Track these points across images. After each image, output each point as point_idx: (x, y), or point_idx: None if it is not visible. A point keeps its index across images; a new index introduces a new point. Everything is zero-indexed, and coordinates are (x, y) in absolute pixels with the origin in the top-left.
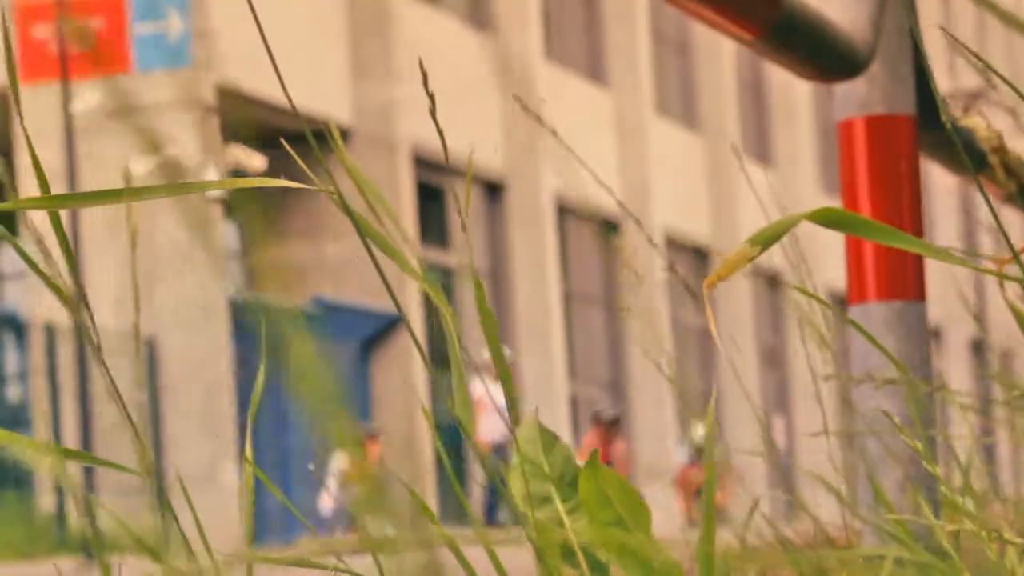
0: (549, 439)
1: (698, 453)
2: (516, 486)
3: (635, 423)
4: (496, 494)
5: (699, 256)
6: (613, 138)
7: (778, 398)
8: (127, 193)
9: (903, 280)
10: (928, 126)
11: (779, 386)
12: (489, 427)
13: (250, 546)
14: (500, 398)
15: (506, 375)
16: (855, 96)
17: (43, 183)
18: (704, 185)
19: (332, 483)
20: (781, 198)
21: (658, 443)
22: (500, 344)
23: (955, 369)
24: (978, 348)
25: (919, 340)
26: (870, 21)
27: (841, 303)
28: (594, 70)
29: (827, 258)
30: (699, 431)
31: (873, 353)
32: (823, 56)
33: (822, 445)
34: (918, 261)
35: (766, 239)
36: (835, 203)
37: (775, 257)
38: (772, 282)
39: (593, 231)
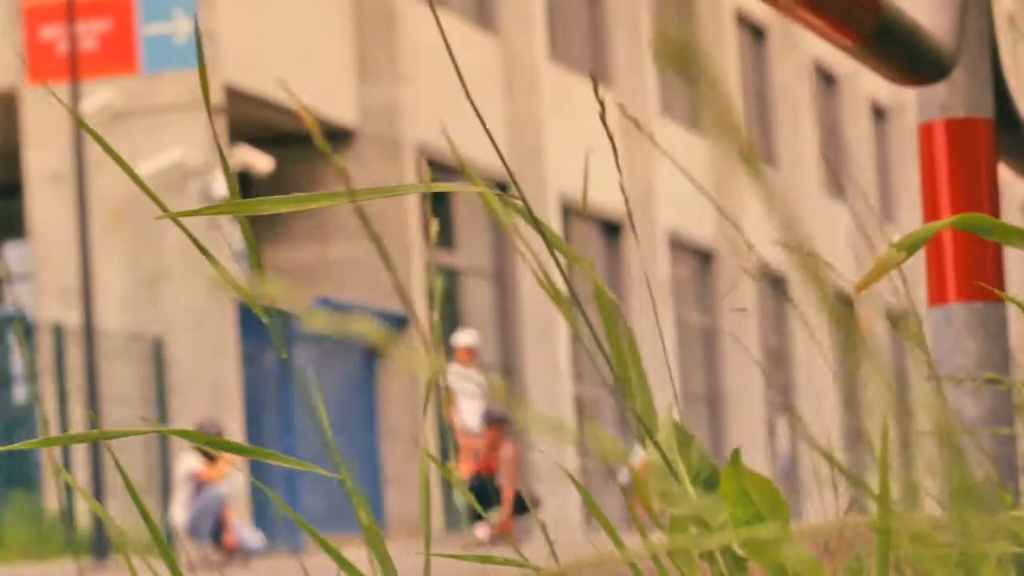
0: (684, 437)
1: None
2: (652, 484)
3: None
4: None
5: (703, 257)
6: (618, 140)
7: (783, 399)
8: (323, 197)
9: (984, 281)
10: (1006, 129)
11: (784, 387)
12: (469, 413)
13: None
14: (470, 384)
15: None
16: (936, 99)
17: (233, 190)
18: (708, 187)
19: (184, 489)
20: (784, 199)
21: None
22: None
23: None
24: None
25: (999, 341)
26: (953, 26)
27: (846, 303)
28: (598, 71)
29: (828, 258)
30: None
31: (956, 353)
32: (913, 61)
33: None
34: (998, 262)
35: (911, 244)
36: (838, 204)
37: (779, 256)
38: (777, 283)
39: (598, 232)
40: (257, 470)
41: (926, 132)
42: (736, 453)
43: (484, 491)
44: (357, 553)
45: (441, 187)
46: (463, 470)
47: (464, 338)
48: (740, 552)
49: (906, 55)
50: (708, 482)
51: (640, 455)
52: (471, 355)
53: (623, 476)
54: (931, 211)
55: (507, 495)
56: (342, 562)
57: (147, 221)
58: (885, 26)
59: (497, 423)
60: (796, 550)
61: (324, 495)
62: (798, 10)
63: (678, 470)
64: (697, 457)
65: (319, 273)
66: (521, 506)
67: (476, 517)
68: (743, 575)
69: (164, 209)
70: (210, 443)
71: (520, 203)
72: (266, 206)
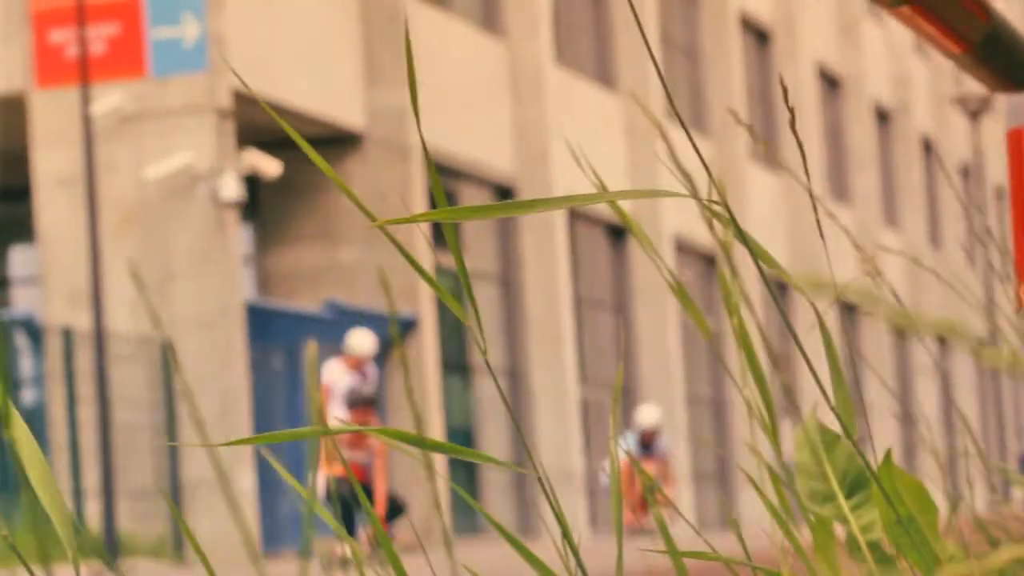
0: (830, 438)
1: (645, 443)
2: (800, 484)
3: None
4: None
5: (708, 262)
6: (622, 142)
7: (785, 403)
8: (554, 202)
9: None
10: None
11: (787, 392)
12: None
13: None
14: (348, 380)
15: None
16: None
17: (440, 196)
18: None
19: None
20: (789, 203)
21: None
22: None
23: None
24: None
25: None
26: None
27: (848, 308)
28: (603, 75)
29: (834, 264)
30: (648, 415)
31: None
32: (1014, 68)
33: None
34: None
35: None
36: (842, 207)
37: (782, 263)
38: (779, 287)
39: (603, 235)
40: (266, 473)
41: (1015, 138)
42: (888, 454)
43: (349, 501)
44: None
45: (633, 194)
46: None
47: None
48: (890, 550)
49: (1009, 63)
50: (856, 483)
51: (623, 457)
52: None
53: (604, 478)
54: (1020, 217)
55: (380, 491)
56: (531, 558)
57: (155, 225)
58: (993, 35)
59: (364, 404)
60: (947, 549)
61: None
62: (915, 17)
63: (826, 471)
64: (844, 458)
65: (327, 276)
66: (395, 509)
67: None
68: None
69: (372, 219)
70: (416, 443)
71: (722, 209)
72: (492, 211)
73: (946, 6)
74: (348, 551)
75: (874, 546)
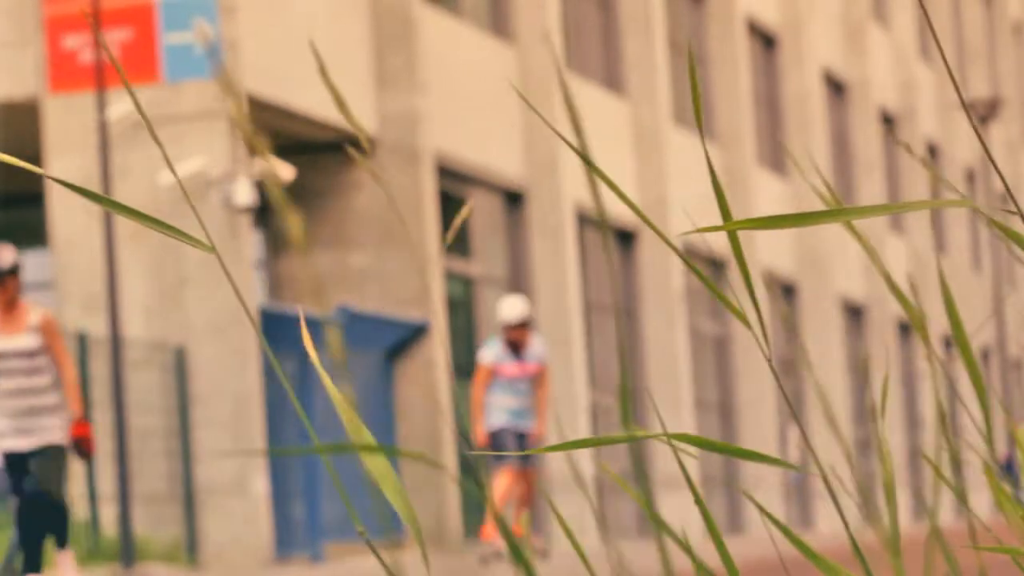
0: None
1: (513, 346)
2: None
3: (652, 431)
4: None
5: (715, 266)
6: (631, 148)
7: (793, 408)
8: (838, 213)
9: None
10: None
11: (793, 395)
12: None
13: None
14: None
15: None
16: None
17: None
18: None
19: None
20: (795, 207)
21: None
22: None
23: None
24: None
25: None
26: None
27: (853, 312)
28: (612, 80)
29: (839, 267)
30: (511, 307)
31: None
32: None
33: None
34: None
35: None
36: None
37: (788, 266)
38: (786, 292)
39: (612, 240)
40: (278, 476)
41: None
42: None
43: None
44: (376, 563)
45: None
46: None
47: None
48: None
49: None
50: None
51: (507, 466)
52: None
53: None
54: None
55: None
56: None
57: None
58: None
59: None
60: None
61: (341, 503)
62: None
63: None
64: None
65: (338, 281)
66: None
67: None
68: None
69: (650, 222)
70: (698, 443)
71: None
72: (787, 222)
73: None
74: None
75: None
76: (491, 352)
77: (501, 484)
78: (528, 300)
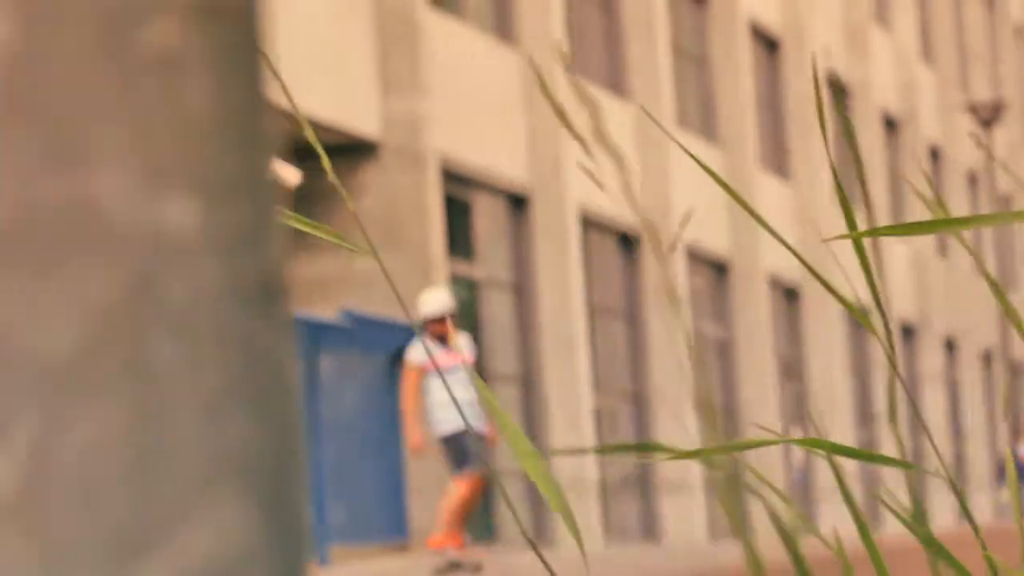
0: None
1: (440, 339)
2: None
3: (658, 434)
4: None
5: (718, 269)
6: (634, 151)
7: (796, 410)
8: (946, 223)
9: None
10: None
11: (797, 398)
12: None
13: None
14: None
15: None
16: None
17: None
18: (723, 198)
19: None
20: (798, 210)
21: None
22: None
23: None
24: None
25: None
26: None
27: (860, 313)
28: (615, 83)
29: (842, 271)
30: (432, 300)
31: None
32: None
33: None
34: None
35: None
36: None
37: (793, 268)
38: (790, 294)
39: (615, 244)
40: None
41: None
42: None
43: None
44: (382, 566)
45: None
46: None
47: None
48: None
49: None
50: None
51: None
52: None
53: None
54: None
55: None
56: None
57: None
58: None
59: None
60: None
61: (347, 506)
62: None
63: None
64: None
65: (343, 285)
66: None
67: None
68: None
69: (826, 229)
70: (832, 449)
71: None
72: (928, 228)
73: None
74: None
75: None
76: (416, 351)
77: (462, 491)
78: (535, 307)
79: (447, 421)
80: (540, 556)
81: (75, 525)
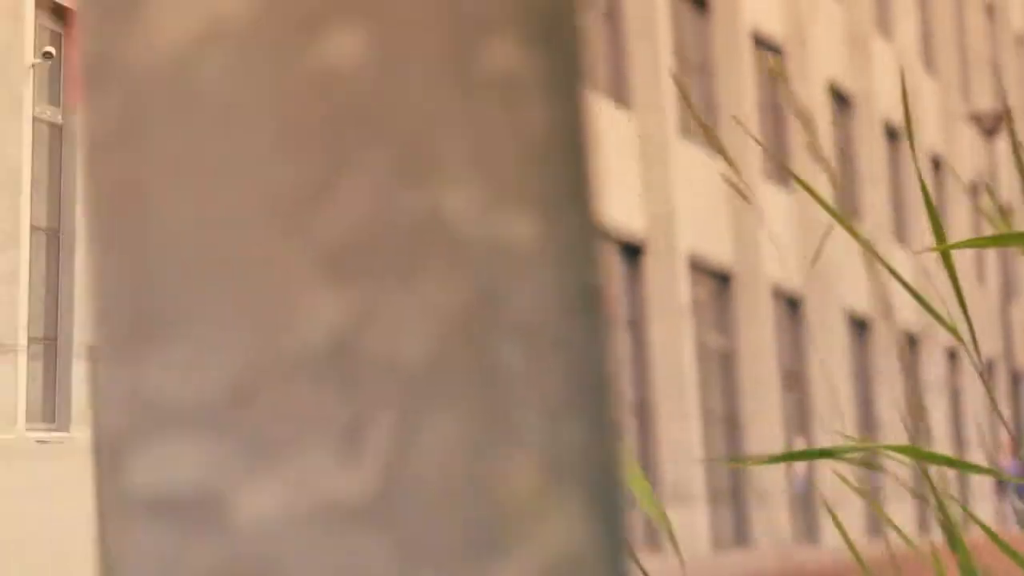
0: None
1: None
2: None
3: (660, 443)
4: None
5: (721, 280)
6: (636, 161)
7: (799, 420)
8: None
9: None
10: None
11: (800, 408)
12: None
13: None
14: None
15: None
16: None
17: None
18: (725, 207)
19: None
20: (801, 220)
21: (682, 462)
22: None
23: None
24: None
25: None
26: None
27: (859, 325)
28: (618, 92)
29: (845, 281)
30: None
31: None
32: None
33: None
34: None
35: None
36: (854, 224)
37: (794, 280)
38: (792, 304)
39: (618, 254)
40: None
41: None
42: None
43: None
44: None
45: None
46: None
47: None
48: None
49: None
50: None
51: None
52: None
53: None
54: None
55: None
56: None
57: None
58: None
59: None
60: None
61: None
62: None
63: None
64: None
65: None
66: None
67: None
68: None
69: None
70: (918, 455)
71: None
72: None
73: None
74: None
75: None
76: None
77: None
78: None
79: None
80: (637, 561)
81: (428, 525)
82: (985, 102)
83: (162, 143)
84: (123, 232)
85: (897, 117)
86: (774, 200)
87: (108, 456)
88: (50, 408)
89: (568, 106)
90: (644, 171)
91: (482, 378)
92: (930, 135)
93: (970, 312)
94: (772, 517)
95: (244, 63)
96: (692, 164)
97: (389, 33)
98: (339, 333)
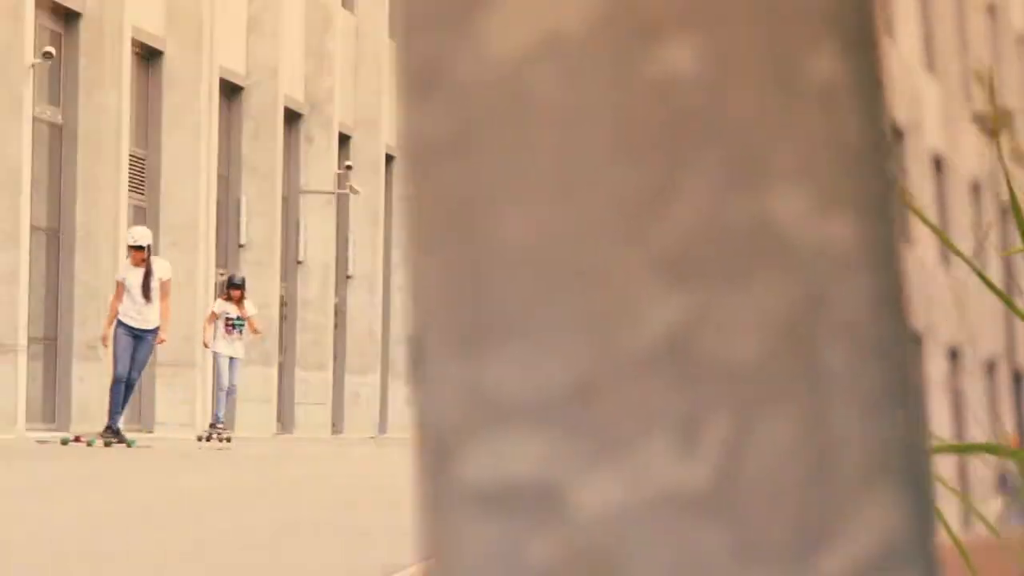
0: None
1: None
2: None
3: None
4: None
5: None
6: None
7: None
8: None
9: None
10: None
11: None
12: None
13: None
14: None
15: None
16: None
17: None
18: None
19: None
20: None
21: None
22: None
23: None
24: None
25: None
26: None
27: None
28: None
29: None
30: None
31: None
32: None
33: None
34: None
35: None
36: None
37: None
38: None
39: None
40: None
41: None
42: None
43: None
44: None
45: None
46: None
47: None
48: None
49: None
50: None
51: None
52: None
53: None
54: None
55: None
56: None
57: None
58: None
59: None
60: None
61: None
62: None
63: None
64: None
65: None
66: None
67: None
68: None
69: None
70: (1007, 454)
71: None
72: None
73: None
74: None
75: None
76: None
77: None
78: None
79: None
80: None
81: (762, 518)
82: (987, 104)
83: (496, 153)
84: (457, 237)
85: (898, 119)
86: None
87: (437, 449)
88: (50, 408)
89: (876, 112)
90: None
91: (807, 379)
92: (931, 136)
93: (972, 311)
94: None
95: (581, 73)
96: None
97: (719, 43)
98: (676, 334)
